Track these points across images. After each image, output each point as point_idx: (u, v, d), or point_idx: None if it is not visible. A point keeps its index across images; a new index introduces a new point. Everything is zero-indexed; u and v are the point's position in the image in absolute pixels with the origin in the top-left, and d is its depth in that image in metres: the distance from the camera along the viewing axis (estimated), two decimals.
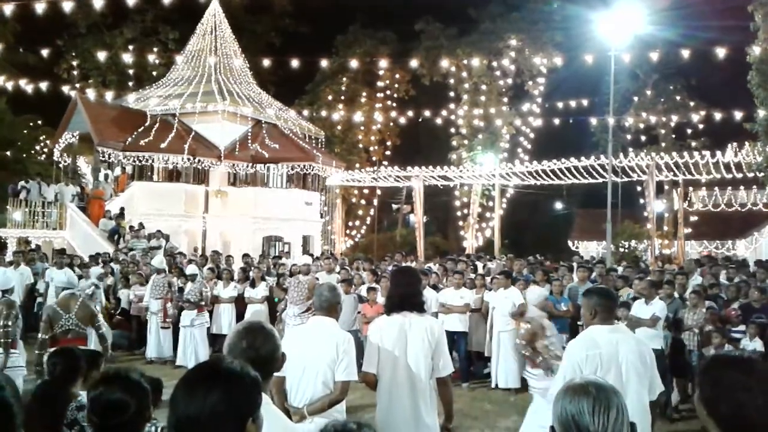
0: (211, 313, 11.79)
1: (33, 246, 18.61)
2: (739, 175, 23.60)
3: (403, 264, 13.88)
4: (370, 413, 8.57)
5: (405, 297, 4.33)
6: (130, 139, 22.78)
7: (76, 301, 6.82)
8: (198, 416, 1.78)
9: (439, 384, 4.27)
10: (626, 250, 25.19)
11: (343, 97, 36.06)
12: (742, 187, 31.03)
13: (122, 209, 21.06)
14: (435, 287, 11.12)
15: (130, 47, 32.92)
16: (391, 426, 4.11)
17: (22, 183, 21.59)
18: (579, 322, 9.83)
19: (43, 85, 23.36)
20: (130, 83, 32.70)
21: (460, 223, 34.30)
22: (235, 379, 1.86)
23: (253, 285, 11.95)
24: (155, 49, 33.50)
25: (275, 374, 3.23)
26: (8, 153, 29.28)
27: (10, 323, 6.32)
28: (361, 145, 36.67)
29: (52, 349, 5.23)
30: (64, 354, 4.18)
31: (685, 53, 22.55)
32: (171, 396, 1.87)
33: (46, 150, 27.87)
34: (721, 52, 20.23)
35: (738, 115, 23.70)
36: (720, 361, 2.17)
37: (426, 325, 4.25)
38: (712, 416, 2.00)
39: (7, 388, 2.07)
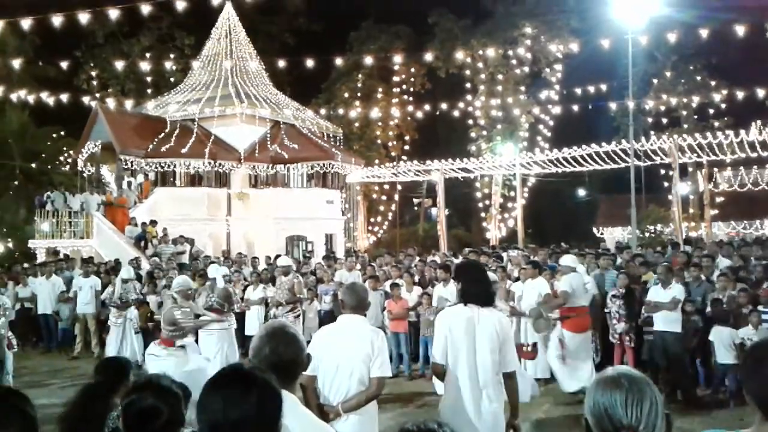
0: (243, 314, 11.93)
1: (62, 255, 18.88)
2: (765, 154, 23.12)
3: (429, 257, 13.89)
4: (393, 410, 8.63)
5: (475, 290, 4.36)
6: (151, 146, 22.99)
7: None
8: (236, 421, 1.85)
9: (505, 378, 4.29)
10: (652, 235, 24.94)
11: (359, 94, 36.10)
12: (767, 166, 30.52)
13: (134, 218, 21.16)
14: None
15: (147, 55, 33.26)
16: (457, 417, 4.16)
17: (48, 194, 21.92)
18: (606, 310, 9.80)
19: (64, 97, 23.65)
20: (149, 90, 33.01)
21: (483, 214, 34.20)
22: (269, 390, 1.95)
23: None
24: (172, 56, 33.79)
25: (306, 373, 3.27)
26: (33, 165, 29.71)
27: None
28: (379, 141, 36.70)
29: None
30: (110, 364, 4.10)
31: (704, 32, 22.15)
32: (202, 400, 1.93)
33: (69, 160, 28.22)
34: (740, 30, 19.84)
35: (761, 92, 23.31)
36: (766, 347, 2.14)
37: (494, 320, 4.28)
38: (757, 401, 1.99)
39: (28, 401, 2.21)
